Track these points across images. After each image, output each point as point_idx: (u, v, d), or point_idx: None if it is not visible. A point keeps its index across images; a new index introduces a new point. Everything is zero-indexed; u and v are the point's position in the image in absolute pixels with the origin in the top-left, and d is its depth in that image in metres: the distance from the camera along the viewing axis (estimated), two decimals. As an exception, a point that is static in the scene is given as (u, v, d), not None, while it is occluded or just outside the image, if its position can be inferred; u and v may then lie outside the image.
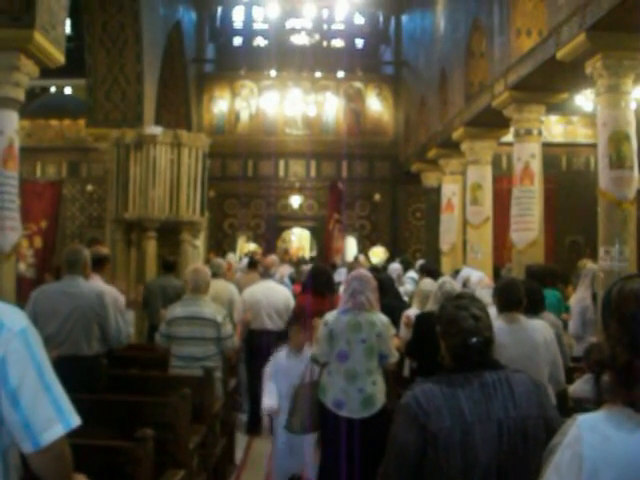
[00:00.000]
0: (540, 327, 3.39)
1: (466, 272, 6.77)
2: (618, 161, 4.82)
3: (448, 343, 1.87)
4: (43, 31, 5.52)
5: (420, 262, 8.59)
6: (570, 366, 4.03)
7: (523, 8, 6.59)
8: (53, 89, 14.26)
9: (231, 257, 10.55)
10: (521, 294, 3.36)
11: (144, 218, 7.03)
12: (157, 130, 7.14)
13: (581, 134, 13.83)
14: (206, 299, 4.41)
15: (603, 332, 1.30)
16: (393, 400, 4.14)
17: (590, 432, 1.22)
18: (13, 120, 5.49)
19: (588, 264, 7.54)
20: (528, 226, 6.88)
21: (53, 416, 1.37)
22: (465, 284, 5.70)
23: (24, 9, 5.39)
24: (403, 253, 12.58)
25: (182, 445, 3.28)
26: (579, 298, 5.06)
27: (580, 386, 3.45)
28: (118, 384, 3.96)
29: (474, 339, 1.81)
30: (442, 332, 1.91)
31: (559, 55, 5.27)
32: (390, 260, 10.99)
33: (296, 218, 15.32)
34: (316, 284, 5.44)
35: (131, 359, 4.57)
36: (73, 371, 3.59)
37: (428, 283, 4.84)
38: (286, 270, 8.52)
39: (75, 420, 1.42)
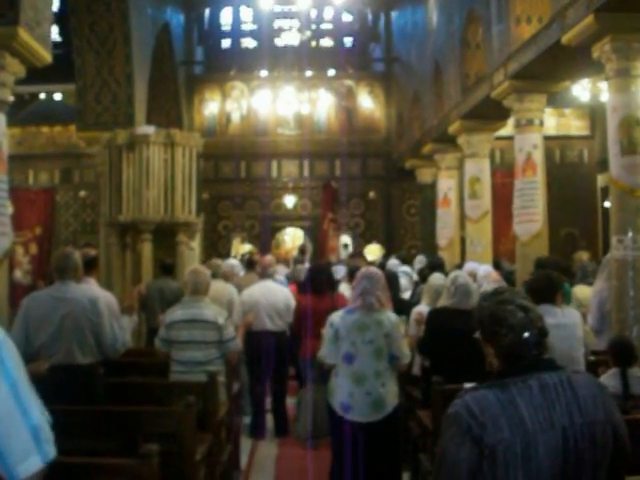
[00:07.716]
0: (578, 320, 3.31)
1: (470, 266, 6.58)
2: (630, 147, 4.63)
3: (498, 344, 1.63)
4: (28, 28, 5.29)
5: (420, 257, 8.42)
6: (591, 360, 3.88)
7: (522, -5, 6.44)
8: (42, 95, 14.03)
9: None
10: (559, 287, 3.27)
11: (139, 220, 6.83)
12: (150, 130, 6.93)
13: (574, 126, 13.77)
14: (207, 301, 4.23)
15: None
16: (402, 400, 3.97)
17: None
18: (0, 122, 5.28)
19: (584, 256, 7.45)
20: (532, 218, 6.70)
21: (30, 446, 1.19)
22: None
23: (7, 5, 5.17)
24: (399, 250, 12.45)
25: (188, 457, 3.07)
26: (597, 290, 4.79)
27: (606, 381, 3.28)
28: (117, 392, 3.74)
29: (527, 333, 1.59)
30: (489, 334, 1.66)
31: (565, 39, 5.09)
32: (386, 257, 10.82)
33: (290, 218, 15.14)
34: (315, 283, 5.28)
35: (129, 365, 4.32)
36: (67, 381, 3.39)
37: (438, 277, 4.66)
38: (282, 269, 8.32)
39: (52, 452, 1.25)
